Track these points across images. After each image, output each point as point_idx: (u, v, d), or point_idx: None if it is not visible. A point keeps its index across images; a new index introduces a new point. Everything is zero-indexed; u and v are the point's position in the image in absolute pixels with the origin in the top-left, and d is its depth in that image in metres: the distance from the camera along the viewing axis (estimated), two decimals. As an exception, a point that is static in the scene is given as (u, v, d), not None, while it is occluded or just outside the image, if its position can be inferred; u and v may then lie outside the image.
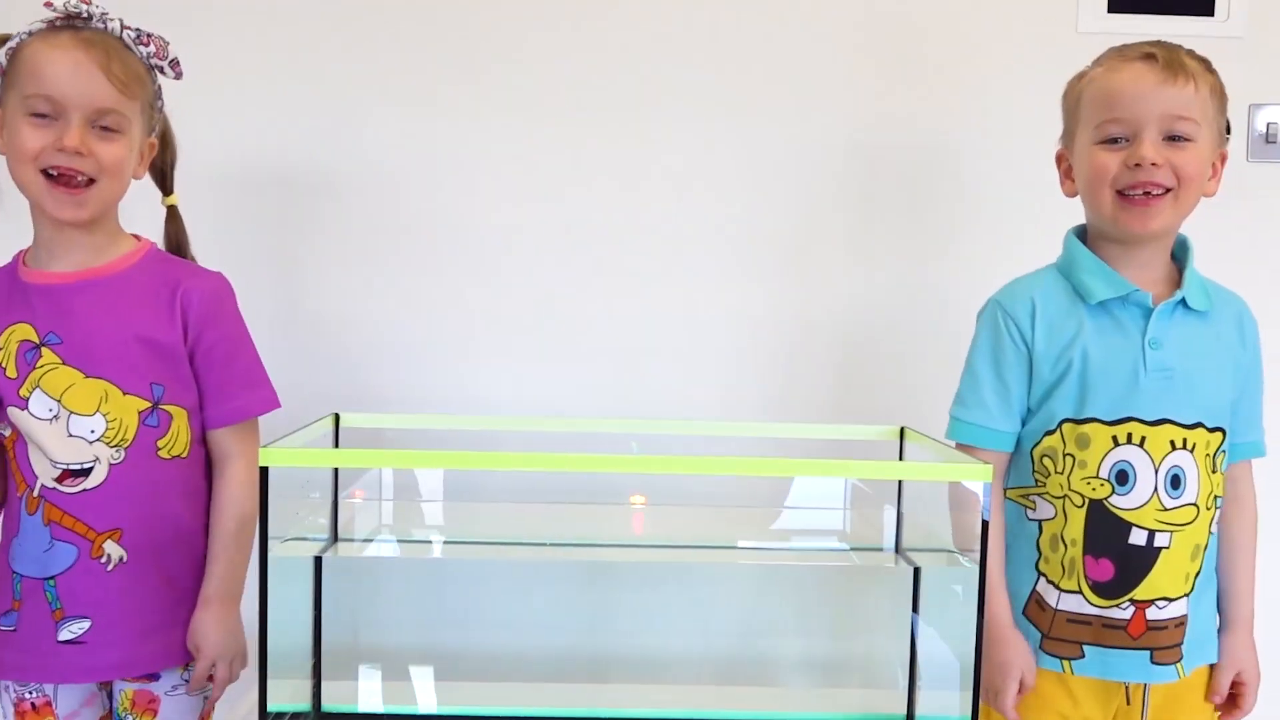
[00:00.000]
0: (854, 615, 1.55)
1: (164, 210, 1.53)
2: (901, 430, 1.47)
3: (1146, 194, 1.36)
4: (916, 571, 1.37)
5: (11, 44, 1.35)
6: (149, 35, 1.39)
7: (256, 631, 1.14)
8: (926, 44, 1.81)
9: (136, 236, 1.47)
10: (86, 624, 1.40)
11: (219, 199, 1.70)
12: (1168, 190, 1.36)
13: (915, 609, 1.37)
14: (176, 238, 1.53)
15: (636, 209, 1.83)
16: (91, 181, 1.36)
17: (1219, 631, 1.46)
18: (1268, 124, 1.84)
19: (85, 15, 1.35)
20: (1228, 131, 1.46)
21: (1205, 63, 1.38)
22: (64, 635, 1.40)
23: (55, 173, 1.34)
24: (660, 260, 1.83)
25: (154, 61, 1.40)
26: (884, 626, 1.48)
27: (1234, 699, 1.45)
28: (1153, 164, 1.34)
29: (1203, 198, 1.40)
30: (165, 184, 1.51)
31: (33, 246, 1.43)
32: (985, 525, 1.13)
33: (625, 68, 1.79)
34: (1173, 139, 1.36)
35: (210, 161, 1.66)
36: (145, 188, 1.47)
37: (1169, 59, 1.36)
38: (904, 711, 1.38)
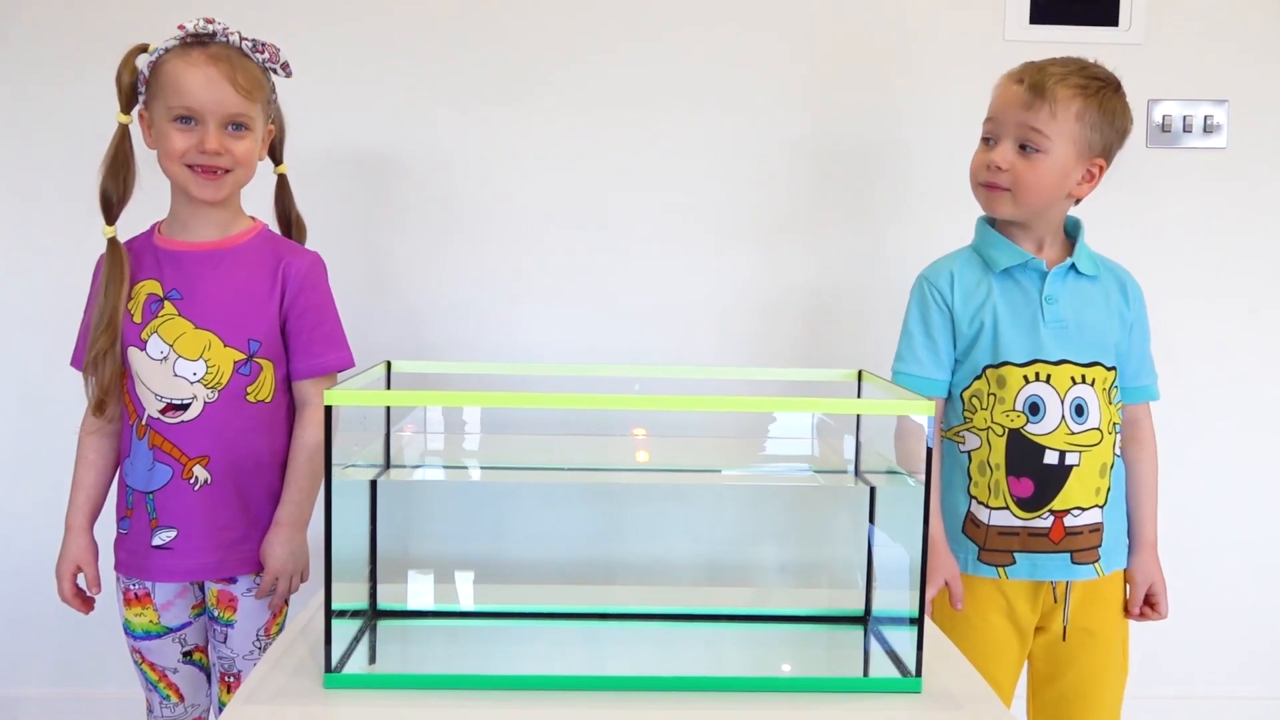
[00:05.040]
0: (820, 528, 1.57)
1: (274, 180, 1.63)
2: (859, 373, 1.51)
3: (991, 185, 1.48)
4: (872, 491, 1.39)
5: (151, 58, 1.46)
6: (263, 44, 1.50)
7: (323, 544, 1.16)
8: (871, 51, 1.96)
9: (253, 218, 1.58)
10: (174, 533, 1.50)
11: (309, 179, 1.76)
12: (1007, 189, 1.47)
13: (871, 521, 1.39)
14: (284, 203, 1.63)
15: (633, 191, 2.04)
16: (227, 171, 1.48)
17: (1129, 554, 1.55)
18: (1163, 116, 1.96)
19: (210, 33, 1.47)
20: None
21: (1082, 87, 1.44)
22: (157, 541, 1.50)
23: (198, 166, 1.46)
24: (652, 237, 2.05)
25: (268, 65, 1.51)
26: (845, 537, 1.47)
27: (1152, 606, 1.56)
28: (998, 167, 1.47)
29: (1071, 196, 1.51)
30: (276, 156, 1.61)
31: (168, 219, 1.55)
32: (929, 452, 1.17)
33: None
34: (1023, 148, 1.46)
35: (304, 147, 1.73)
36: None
37: (1034, 82, 1.45)
38: (862, 607, 1.41)
